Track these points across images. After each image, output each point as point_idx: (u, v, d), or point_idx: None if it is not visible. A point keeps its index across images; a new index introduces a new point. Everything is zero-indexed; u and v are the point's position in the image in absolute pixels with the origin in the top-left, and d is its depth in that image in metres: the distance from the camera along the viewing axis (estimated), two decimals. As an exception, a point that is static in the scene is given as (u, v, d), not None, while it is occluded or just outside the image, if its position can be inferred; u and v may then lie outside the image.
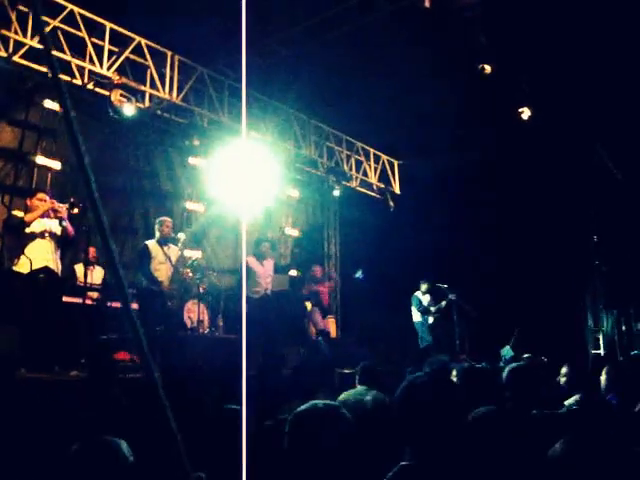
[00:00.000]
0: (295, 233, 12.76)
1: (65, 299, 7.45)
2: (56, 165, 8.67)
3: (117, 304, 8.31)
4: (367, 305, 11.74)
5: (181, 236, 7.34)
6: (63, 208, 6.03)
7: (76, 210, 6.03)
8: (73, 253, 8.39)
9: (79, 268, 8.75)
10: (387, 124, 11.34)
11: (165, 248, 7.18)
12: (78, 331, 6.87)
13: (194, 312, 9.17)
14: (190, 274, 7.88)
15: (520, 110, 9.63)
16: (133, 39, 8.44)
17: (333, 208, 13.87)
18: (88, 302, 7.83)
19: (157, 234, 7.25)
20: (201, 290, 9.87)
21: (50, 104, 8.65)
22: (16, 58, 7.62)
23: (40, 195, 6.20)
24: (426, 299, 11.01)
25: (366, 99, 10.54)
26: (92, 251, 8.90)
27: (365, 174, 12.50)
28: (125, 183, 10.64)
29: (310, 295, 10.07)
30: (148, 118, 9.19)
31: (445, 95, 9.79)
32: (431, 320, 10.91)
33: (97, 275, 8.72)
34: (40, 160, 8.63)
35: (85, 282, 7.49)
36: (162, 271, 7.07)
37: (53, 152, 8.95)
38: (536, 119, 9.85)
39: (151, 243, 7.22)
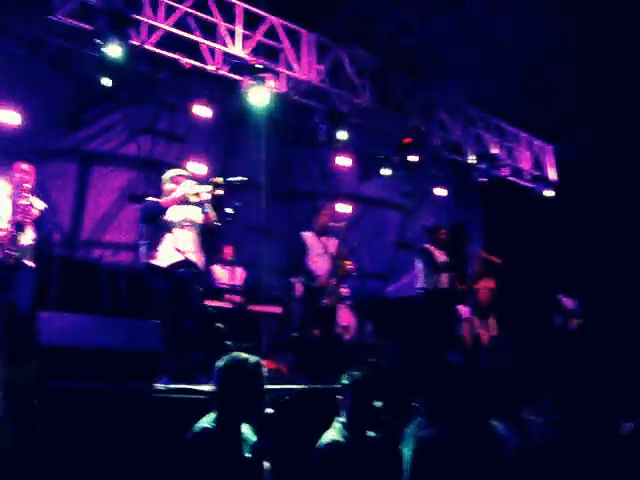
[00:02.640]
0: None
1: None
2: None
3: (259, 307, 7.57)
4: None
5: (342, 224, 6.41)
6: (205, 191, 5.23)
7: (220, 191, 5.21)
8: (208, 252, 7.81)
9: (218, 269, 8.09)
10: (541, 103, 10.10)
11: (323, 239, 6.30)
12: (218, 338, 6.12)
13: (341, 316, 8.28)
14: (351, 266, 6.93)
15: None
16: (265, 18, 7.70)
17: (476, 202, 12.63)
18: (226, 305, 7.13)
19: (314, 223, 6.40)
20: (345, 292, 8.99)
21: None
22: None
23: (179, 178, 5.46)
24: None
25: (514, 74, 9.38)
26: (228, 251, 8.24)
27: (516, 161, 11.17)
28: (259, 182, 10.03)
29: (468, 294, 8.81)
30: (283, 106, 8.40)
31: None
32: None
33: (237, 276, 8.01)
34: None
35: (224, 283, 6.81)
36: (320, 264, 6.18)
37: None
38: None
39: (307, 234, 6.37)
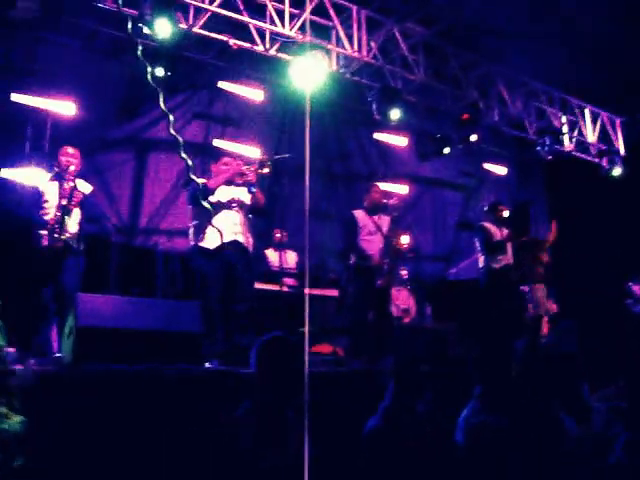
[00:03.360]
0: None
1: (257, 285, 6.69)
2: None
3: (316, 291, 7.46)
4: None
5: (394, 201, 6.19)
6: (251, 169, 5.14)
7: (267, 170, 5.11)
8: (263, 236, 7.74)
9: (270, 253, 8.03)
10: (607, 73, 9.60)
11: (375, 217, 6.12)
12: (271, 321, 6.04)
13: (400, 299, 8.11)
14: (404, 245, 6.72)
15: None
16: (314, -4, 7.53)
17: (540, 180, 12.20)
18: (284, 289, 7.03)
19: (365, 201, 6.22)
20: (404, 275, 8.81)
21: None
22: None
23: (226, 159, 5.39)
24: None
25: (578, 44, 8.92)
26: (277, 234, 8.17)
27: (581, 134, 10.67)
28: (314, 165, 9.93)
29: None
30: (335, 85, 8.22)
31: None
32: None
33: (290, 259, 7.92)
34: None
35: (277, 267, 6.71)
36: (373, 243, 6.00)
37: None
38: None
39: (358, 212, 6.19)
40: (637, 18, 8.18)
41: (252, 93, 8.54)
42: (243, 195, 5.33)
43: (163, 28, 6.18)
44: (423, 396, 3.13)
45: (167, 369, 3.73)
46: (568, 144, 10.49)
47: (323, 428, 3.14)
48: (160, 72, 7.47)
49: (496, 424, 3.00)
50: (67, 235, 5.01)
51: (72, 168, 5.17)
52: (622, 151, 10.95)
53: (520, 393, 3.39)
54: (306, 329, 2.55)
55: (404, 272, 8.82)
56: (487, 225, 7.44)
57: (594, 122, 10.85)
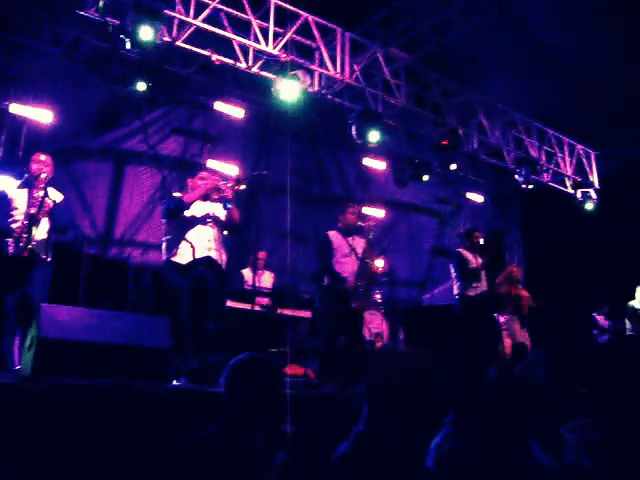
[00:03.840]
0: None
1: (230, 304, 6.59)
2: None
3: (289, 311, 7.38)
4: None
5: (369, 223, 6.11)
6: (228, 185, 5.07)
7: (243, 186, 5.05)
8: (239, 255, 7.69)
9: (247, 273, 7.95)
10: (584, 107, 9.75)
11: (350, 239, 6.05)
12: (242, 340, 5.93)
13: (373, 323, 8.05)
14: (379, 268, 6.63)
15: None
16: (299, 15, 7.54)
17: (515, 209, 12.30)
18: (256, 308, 6.95)
19: (340, 223, 6.15)
20: (378, 299, 8.78)
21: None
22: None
23: (202, 174, 5.32)
24: None
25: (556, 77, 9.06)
26: (262, 255, 8.13)
27: (557, 166, 10.79)
28: (292, 185, 9.90)
29: (505, 299, 8.47)
30: (316, 106, 8.22)
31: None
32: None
33: (266, 279, 7.84)
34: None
35: (253, 286, 6.63)
36: (347, 265, 5.91)
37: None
38: None
39: (333, 233, 6.09)
40: (615, 55, 8.34)
41: (233, 110, 8.50)
42: (218, 211, 5.25)
43: (145, 39, 6.11)
44: (396, 422, 3.06)
45: (133, 385, 3.61)
46: (545, 174, 10.60)
47: (293, 452, 3.06)
48: (142, 86, 7.43)
49: (467, 451, 2.94)
50: (34, 244, 4.86)
51: (43, 175, 5.02)
52: (596, 184, 11.08)
53: (492, 421, 3.33)
54: (287, 350, 2.46)
55: (378, 296, 8.79)
56: (463, 252, 7.43)
57: (570, 154, 10.99)
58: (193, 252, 4.83)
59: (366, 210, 9.30)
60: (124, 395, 3.44)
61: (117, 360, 3.77)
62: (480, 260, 7.40)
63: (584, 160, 11.14)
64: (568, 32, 8.04)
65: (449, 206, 11.84)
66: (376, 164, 9.87)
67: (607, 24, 7.89)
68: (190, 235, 5.00)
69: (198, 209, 5.14)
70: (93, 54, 7.77)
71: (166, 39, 6.80)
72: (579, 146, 11.07)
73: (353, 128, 8.01)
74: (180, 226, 5.05)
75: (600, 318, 10.03)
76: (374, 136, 7.99)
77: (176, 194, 5.08)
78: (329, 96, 8.12)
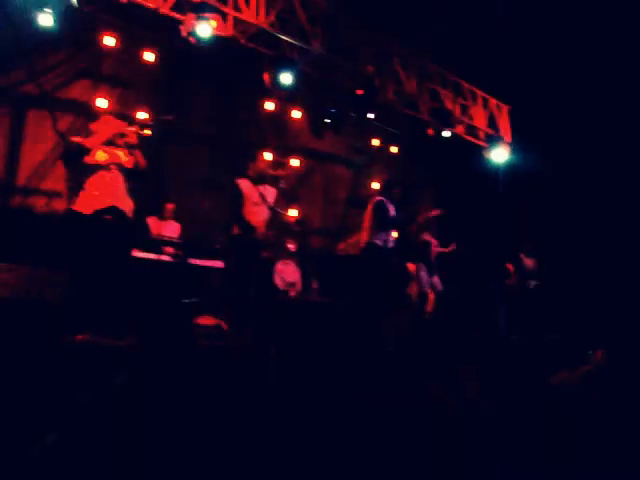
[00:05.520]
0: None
1: (136, 254, 6.40)
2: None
3: (200, 261, 7.26)
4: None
5: (282, 171, 6.02)
6: (132, 130, 4.87)
7: (148, 131, 4.86)
8: (144, 202, 7.44)
9: (152, 221, 7.74)
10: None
11: (261, 187, 5.94)
12: (152, 291, 5.78)
13: (286, 272, 8.03)
14: (292, 217, 6.56)
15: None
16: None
17: (429, 160, 12.42)
18: (164, 258, 6.79)
19: (250, 170, 6.02)
20: (291, 248, 8.74)
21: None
22: None
23: (106, 117, 5.08)
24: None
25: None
26: (170, 207, 7.95)
27: (471, 119, 10.95)
28: (205, 131, 9.66)
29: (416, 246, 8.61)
30: (229, 49, 7.95)
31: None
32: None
33: (172, 229, 7.67)
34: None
35: (159, 235, 6.45)
36: (257, 214, 5.82)
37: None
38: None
39: (243, 181, 5.97)
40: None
41: (143, 53, 8.14)
42: (123, 156, 5.04)
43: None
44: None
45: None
46: (458, 126, 10.73)
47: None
48: (46, 20, 6.90)
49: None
50: None
51: None
52: (507, 137, 11.34)
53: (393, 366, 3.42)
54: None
55: (291, 245, 8.76)
56: (385, 201, 7.41)
57: (484, 107, 11.16)
58: (97, 201, 4.63)
59: (281, 158, 9.21)
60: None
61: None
62: (394, 213, 7.46)
63: (496, 113, 11.35)
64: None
65: (364, 156, 11.85)
66: (292, 113, 9.76)
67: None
68: (92, 182, 4.79)
69: (101, 154, 4.92)
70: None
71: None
72: (492, 100, 11.25)
73: (266, 74, 7.84)
74: (82, 173, 4.83)
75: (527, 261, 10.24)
76: (287, 80, 7.85)
77: (76, 138, 4.83)
78: (242, 41, 7.87)
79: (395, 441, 2.93)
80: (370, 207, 7.43)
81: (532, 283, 9.91)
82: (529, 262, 10.02)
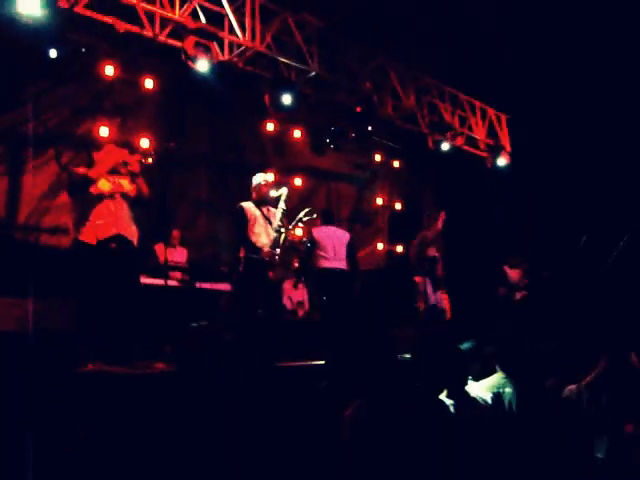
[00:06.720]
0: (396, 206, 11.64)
1: (144, 280, 6.41)
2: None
3: (208, 285, 7.27)
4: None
5: (283, 191, 6.03)
6: (135, 159, 4.91)
7: (150, 160, 4.90)
8: (149, 229, 7.44)
9: (160, 248, 7.77)
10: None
11: (264, 209, 5.97)
12: (160, 316, 5.79)
13: (294, 292, 8.05)
14: (297, 235, 6.57)
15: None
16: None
17: (431, 173, 12.45)
18: (172, 283, 6.80)
19: (253, 194, 6.06)
20: (298, 268, 8.76)
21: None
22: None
23: (108, 147, 5.13)
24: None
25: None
26: (176, 234, 7.98)
27: (470, 130, 10.98)
28: (207, 155, 9.70)
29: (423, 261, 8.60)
30: (227, 73, 8.00)
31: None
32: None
33: (180, 255, 7.69)
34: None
35: (166, 261, 6.46)
36: (262, 236, 5.84)
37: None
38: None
39: (246, 204, 6.00)
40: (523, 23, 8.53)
41: (143, 81, 8.20)
42: (126, 185, 5.08)
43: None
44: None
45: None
46: (458, 138, 10.76)
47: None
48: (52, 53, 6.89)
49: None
50: None
51: None
52: (507, 146, 11.37)
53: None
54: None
55: (297, 265, 8.76)
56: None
57: (482, 118, 11.20)
58: (103, 230, 4.66)
59: (283, 178, 9.23)
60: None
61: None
62: None
63: (496, 124, 11.38)
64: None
65: (367, 172, 11.90)
66: (293, 133, 9.83)
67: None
68: (97, 212, 4.82)
69: (105, 184, 4.96)
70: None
71: (63, 5, 6.42)
72: (490, 110, 11.29)
73: (266, 96, 7.90)
74: (87, 203, 4.87)
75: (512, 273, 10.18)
76: (287, 101, 7.90)
77: (80, 169, 4.88)
78: (240, 64, 7.93)
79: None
80: None
81: (518, 295, 9.79)
82: (514, 274, 9.91)
